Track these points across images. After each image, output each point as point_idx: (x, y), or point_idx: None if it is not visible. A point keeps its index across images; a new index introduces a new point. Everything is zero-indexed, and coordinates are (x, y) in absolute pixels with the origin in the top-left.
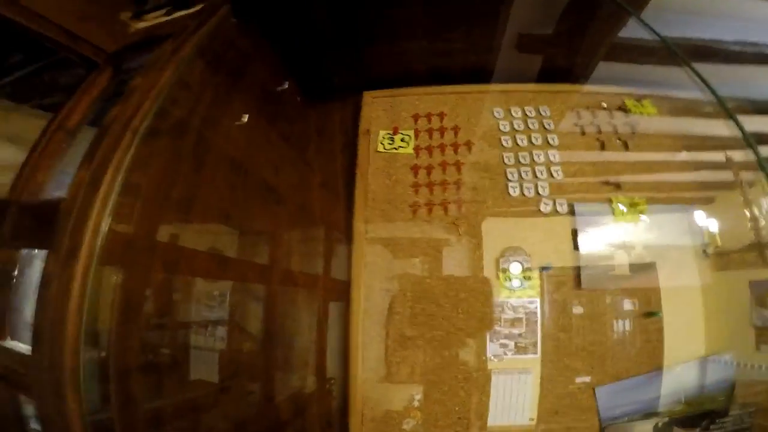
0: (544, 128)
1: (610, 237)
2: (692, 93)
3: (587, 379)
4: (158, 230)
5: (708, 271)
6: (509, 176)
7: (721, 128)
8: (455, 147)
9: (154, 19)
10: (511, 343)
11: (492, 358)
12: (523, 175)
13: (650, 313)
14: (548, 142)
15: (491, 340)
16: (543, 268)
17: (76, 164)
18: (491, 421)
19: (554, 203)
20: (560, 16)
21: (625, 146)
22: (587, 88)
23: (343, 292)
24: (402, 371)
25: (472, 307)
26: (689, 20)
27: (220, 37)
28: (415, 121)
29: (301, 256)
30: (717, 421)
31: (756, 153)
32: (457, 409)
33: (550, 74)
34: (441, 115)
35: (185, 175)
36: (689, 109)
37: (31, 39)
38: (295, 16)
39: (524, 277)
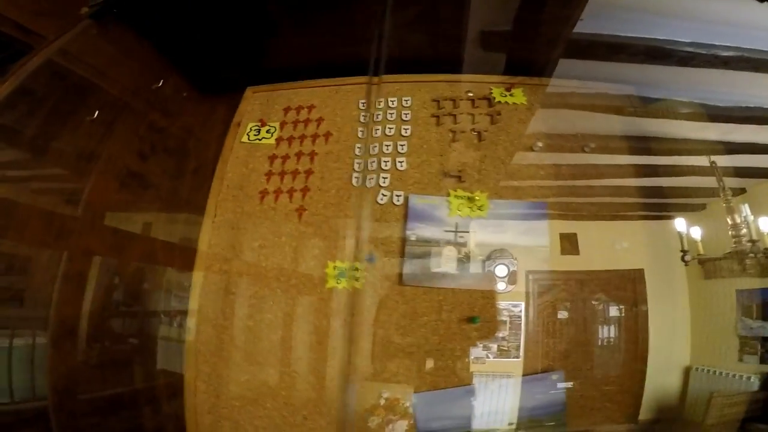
0: (401, 119)
1: (441, 233)
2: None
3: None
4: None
5: (693, 279)
6: (355, 167)
7: (615, 123)
8: (314, 138)
9: None
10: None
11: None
12: (369, 165)
13: (471, 319)
14: (401, 134)
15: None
16: (368, 258)
17: None
18: None
19: (391, 195)
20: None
21: (479, 137)
22: (456, 77)
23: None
24: (232, 349)
25: (302, 293)
26: (643, 19)
27: (77, 46)
28: (285, 113)
29: (164, 235)
30: None
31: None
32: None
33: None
34: (310, 108)
35: (25, 162)
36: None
37: None
38: (183, 16)
39: (352, 269)
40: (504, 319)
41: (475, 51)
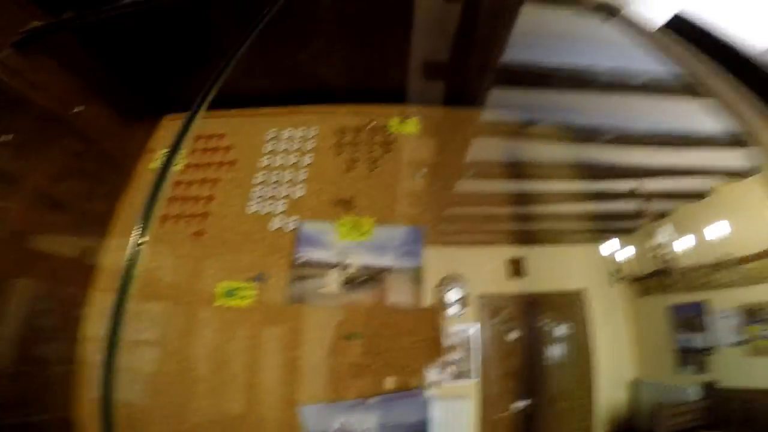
0: (305, 149)
1: (328, 256)
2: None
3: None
4: None
5: (630, 297)
6: (254, 193)
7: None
8: (220, 165)
9: None
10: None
11: None
12: (267, 193)
13: (351, 335)
14: (302, 163)
15: None
16: (257, 278)
17: None
18: None
19: (286, 221)
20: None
21: (372, 166)
22: (360, 107)
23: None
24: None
25: (193, 310)
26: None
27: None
28: (195, 141)
29: (72, 255)
30: None
31: None
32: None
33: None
34: (221, 136)
35: None
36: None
37: None
38: (107, 44)
39: (241, 288)
40: (457, 342)
41: (419, 81)
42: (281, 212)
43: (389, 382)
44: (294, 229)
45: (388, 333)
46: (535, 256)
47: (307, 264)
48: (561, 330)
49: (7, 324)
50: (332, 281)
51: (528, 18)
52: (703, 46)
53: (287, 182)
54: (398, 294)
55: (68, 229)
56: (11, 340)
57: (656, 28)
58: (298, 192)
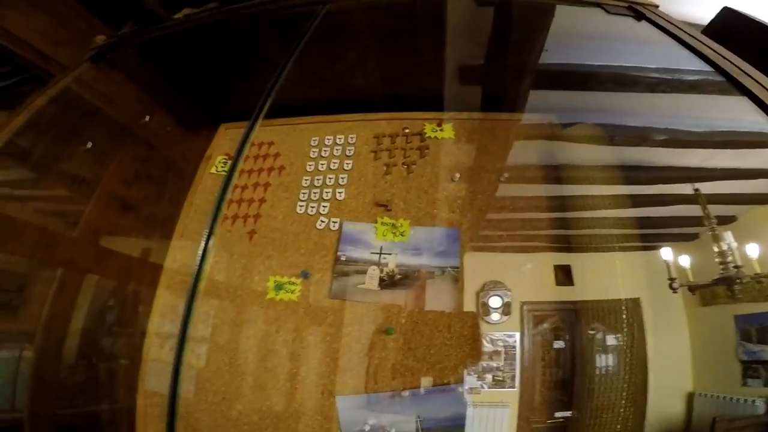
0: (345, 155)
1: (368, 254)
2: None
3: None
4: None
5: (691, 306)
6: (301, 196)
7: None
8: (270, 171)
9: None
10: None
11: None
12: (312, 195)
13: (387, 330)
14: (343, 167)
15: None
16: (303, 274)
17: None
18: None
19: (328, 221)
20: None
21: (408, 170)
22: (394, 114)
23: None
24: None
25: (246, 303)
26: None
27: (77, 86)
28: (249, 148)
29: (140, 255)
30: None
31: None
32: None
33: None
34: (270, 144)
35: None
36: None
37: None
38: (170, 61)
39: (289, 282)
40: (499, 349)
41: (454, 86)
42: (325, 214)
43: (422, 378)
44: (336, 230)
45: (421, 329)
46: (585, 263)
47: (348, 261)
48: (611, 340)
49: (80, 317)
50: (371, 278)
51: (564, 20)
52: (753, 36)
53: (330, 186)
54: (433, 292)
55: (137, 230)
56: (83, 333)
57: (704, 22)
58: (340, 195)
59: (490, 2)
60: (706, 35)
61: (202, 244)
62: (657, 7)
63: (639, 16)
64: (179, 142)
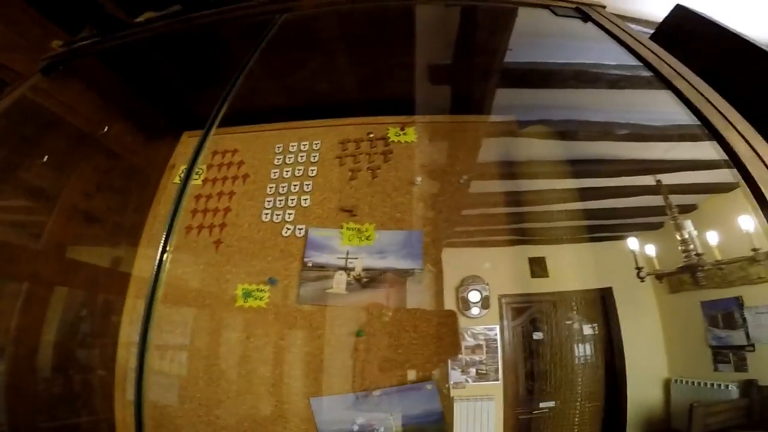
0: (310, 161)
1: (334, 259)
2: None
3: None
4: None
5: (660, 294)
6: (266, 204)
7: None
8: (234, 179)
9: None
10: None
11: None
12: (278, 203)
13: (357, 332)
14: (308, 174)
15: None
16: (270, 281)
17: None
18: None
19: (294, 228)
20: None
21: (372, 175)
22: (361, 119)
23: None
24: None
25: (215, 311)
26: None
27: (33, 94)
28: (213, 157)
29: (108, 265)
30: None
31: None
32: None
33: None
34: (233, 152)
35: None
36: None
37: None
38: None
39: (257, 290)
40: (480, 342)
41: (423, 89)
42: (290, 221)
43: (392, 376)
44: (303, 236)
45: (389, 330)
46: (558, 254)
47: (315, 267)
48: (587, 329)
49: (51, 330)
50: (338, 283)
51: (528, 20)
52: (706, 36)
53: (295, 193)
54: (399, 293)
55: (103, 241)
56: (56, 345)
57: (657, 21)
58: (305, 202)
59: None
60: (659, 33)
61: (158, 254)
62: (604, 7)
63: (585, 18)
64: (142, 150)
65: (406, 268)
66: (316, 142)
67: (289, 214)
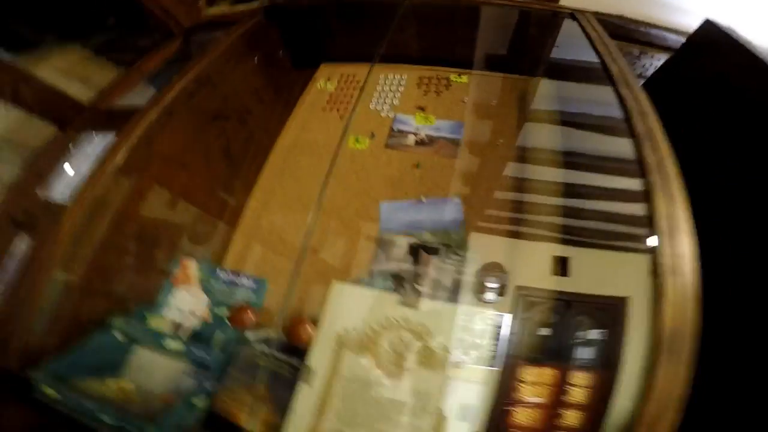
0: (400, 84)
1: (409, 129)
2: None
3: None
4: None
5: None
6: (373, 100)
7: None
8: (354, 89)
9: (222, 7)
10: None
11: None
12: (380, 100)
13: (417, 164)
14: (399, 90)
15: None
16: (371, 135)
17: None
18: None
19: (388, 113)
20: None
21: (437, 94)
22: (434, 67)
23: None
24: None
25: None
26: None
27: (255, 33)
28: (342, 77)
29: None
30: (452, 255)
31: None
32: None
33: None
34: (354, 75)
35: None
36: None
37: (130, 6)
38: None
39: (362, 140)
40: (488, 327)
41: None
42: (387, 110)
43: (434, 191)
44: (393, 117)
45: (436, 168)
46: (584, 257)
47: (398, 132)
48: (593, 334)
49: None
50: (410, 139)
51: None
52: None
53: (390, 97)
54: (446, 149)
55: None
56: None
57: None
58: (396, 102)
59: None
60: (687, 49)
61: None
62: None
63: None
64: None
65: (452, 137)
66: (405, 76)
67: (387, 106)
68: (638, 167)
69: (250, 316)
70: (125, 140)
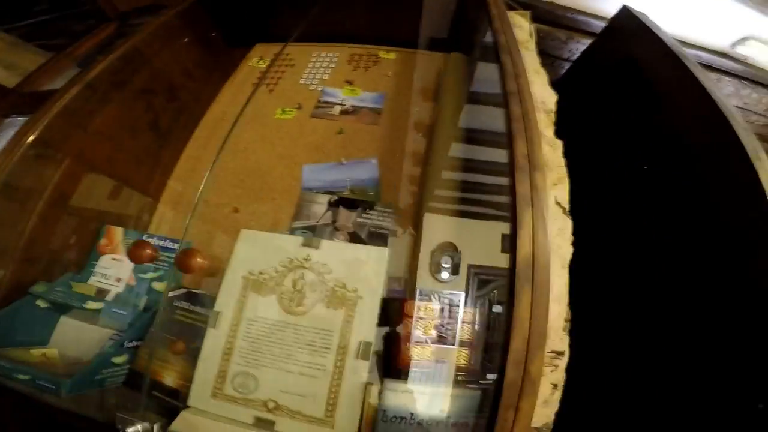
0: (331, 61)
1: (336, 100)
2: None
3: None
4: None
5: None
6: (303, 76)
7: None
8: (287, 66)
9: None
10: None
11: None
12: (310, 76)
13: (339, 131)
14: (330, 66)
15: None
16: (298, 106)
17: None
18: None
19: (316, 87)
20: None
21: (365, 70)
22: (364, 46)
23: None
24: None
25: (264, 123)
26: None
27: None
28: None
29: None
30: (368, 210)
31: None
32: None
33: None
34: (288, 54)
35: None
36: None
37: None
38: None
39: (289, 110)
40: (444, 306)
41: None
42: (315, 84)
43: (355, 155)
44: (321, 90)
45: (358, 134)
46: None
47: (325, 103)
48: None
49: None
50: (335, 110)
51: None
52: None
53: (320, 73)
54: (368, 117)
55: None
56: None
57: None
58: (325, 76)
59: None
60: (605, 34)
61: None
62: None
63: None
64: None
65: (374, 107)
66: (337, 54)
67: (316, 81)
68: (505, 120)
69: (150, 252)
70: (44, 116)
